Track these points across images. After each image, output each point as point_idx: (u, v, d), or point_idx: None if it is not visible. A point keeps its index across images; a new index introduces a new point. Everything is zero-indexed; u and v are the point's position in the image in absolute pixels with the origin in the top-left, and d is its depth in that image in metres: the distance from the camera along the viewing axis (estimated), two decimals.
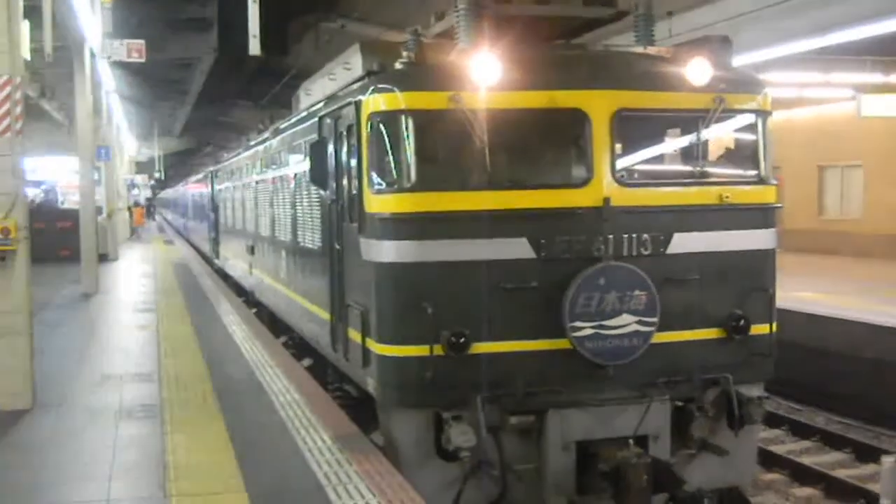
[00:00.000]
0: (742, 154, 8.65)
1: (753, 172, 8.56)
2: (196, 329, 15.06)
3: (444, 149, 8.35)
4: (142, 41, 22.87)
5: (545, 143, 8.56)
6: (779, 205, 8.56)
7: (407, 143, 7.94)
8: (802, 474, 12.26)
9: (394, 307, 8.00)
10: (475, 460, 7.85)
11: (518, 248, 7.89)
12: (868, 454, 12.95)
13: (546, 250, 7.90)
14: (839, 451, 13.45)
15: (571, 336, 7.85)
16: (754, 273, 8.45)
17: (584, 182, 8.04)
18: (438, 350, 7.73)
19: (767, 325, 8.43)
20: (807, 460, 12.89)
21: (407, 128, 7.95)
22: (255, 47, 18.69)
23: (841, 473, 12.29)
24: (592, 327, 7.88)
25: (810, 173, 28.97)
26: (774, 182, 8.60)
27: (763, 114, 8.55)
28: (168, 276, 25.32)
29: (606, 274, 7.88)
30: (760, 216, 8.49)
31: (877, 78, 22.68)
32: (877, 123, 24.88)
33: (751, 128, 8.57)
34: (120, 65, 26.79)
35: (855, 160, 27.49)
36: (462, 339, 7.75)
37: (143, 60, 23.14)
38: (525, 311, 7.92)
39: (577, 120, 8.04)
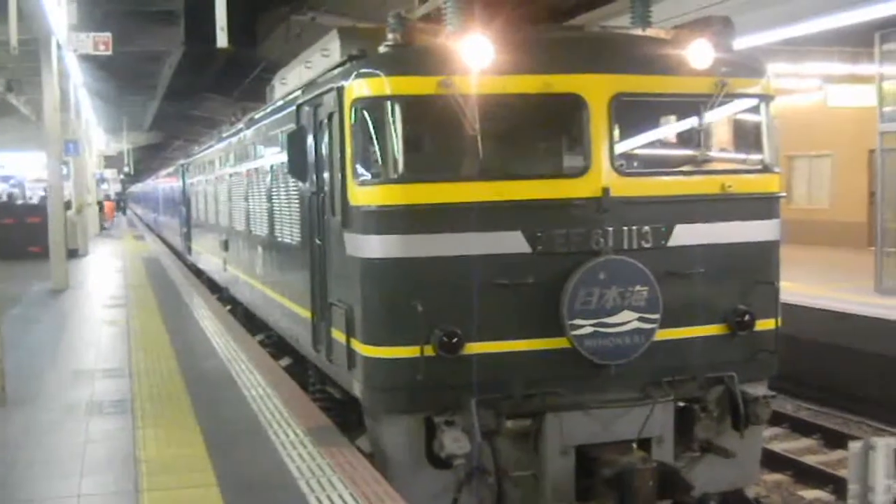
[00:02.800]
0: (745, 141, 8.08)
1: (757, 160, 7.99)
2: (167, 324, 14.66)
3: (433, 137, 7.74)
4: (108, 34, 22.16)
5: (540, 130, 7.96)
6: (783, 194, 7.97)
7: (393, 130, 7.30)
8: (772, 461, 11.79)
9: (381, 306, 7.37)
10: (469, 467, 7.23)
11: (512, 242, 7.29)
12: (837, 441, 12.53)
13: (542, 244, 7.31)
14: (808, 438, 13.08)
15: (570, 334, 7.26)
16: (758, 266, 7.89)
17: (582, 171, 7.44)
18: (429, 351, 7.13)
19: (772, 320, 7.86)
20: (777, 447, 12.48)
21: (393, 114, 7.30)
22: (222, 40, 18.23)
23: (810, 460, 11.97)
24: (592, 325, 7.29)
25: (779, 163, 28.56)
26: (778, 170, 8.02)
27: (766, 98, 7.98)
28: (139, 272, 24.70)
29: (607, 268, 7.29)
30: (765, 206, 7.93)
31: (844, 68, 22.31)
32: (844, 113, 24.54)
33: (754, 113, 7.99)
34: (87, 58, 26.00)
35: (823, 150, 27.16)
36: (454, 339, 7.15)
37: (109, 53, 22.45)
38: (521, 309, 7.33)
39: (573, 106, 7.43)
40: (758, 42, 15.96)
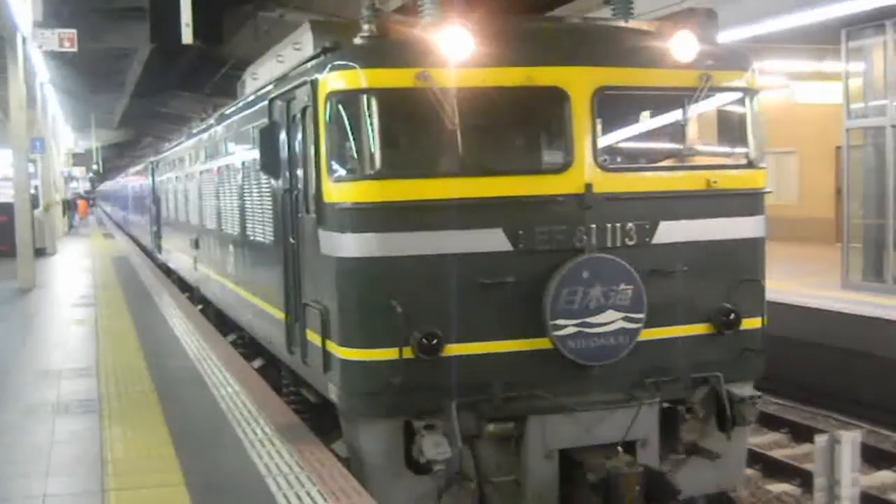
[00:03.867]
0: (730, 136, 7.79)
1: (742, 155, 7.70)
2: (136, 323, 14.40)
3: (410, 131, 7.39)
4: (74, 31, 21.74)
5: (521, 124, 7.64)
6: (769, 189, 7.70)
7: (369, 125, 6.94)
8: None
9: (358, 306, 7.01)
10: (450, 473, 6.89)
11: (493, 240, 6.96)
12: (804, 435, 12.37)
13: (524, 242, 6.99)
14: (776, 432, 12.92)
15: (553, 335, 6.95)
16: (744, 263, 7.61)
17: (564, 167, 7.13)
18: (408, 353, 6.79)
19: (759, 319, 7.59)
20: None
21: (369, 108, 6.94)
22: (187, 36, 18.13)
23: (778, 454, 11.83)
24: (575, 325, 6.98)
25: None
26: (764, 165, 7.74)
27: (752, 92, 7.70)
28: (107, 271, 24.23)
29: (590, 267, 6.98)
30: (750, 202, 7.65)
31: (811, 65, 22.19)
32: (810, 111, 24.44)
33: (739, 107, 7.70)
34: (54, 55, 25.46)
35: (791, 147, 27.09)
36: (434, 341, 6.82)
37: (74, 50, 22.05)
38: (502, 309, 7.01)
39: (555, 99, 7.11)
40: (725, 39, 15.78)
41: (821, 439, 6.86)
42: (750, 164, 7.68)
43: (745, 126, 7.66)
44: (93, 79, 36.28)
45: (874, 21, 15.95)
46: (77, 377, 10.47)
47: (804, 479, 10.34)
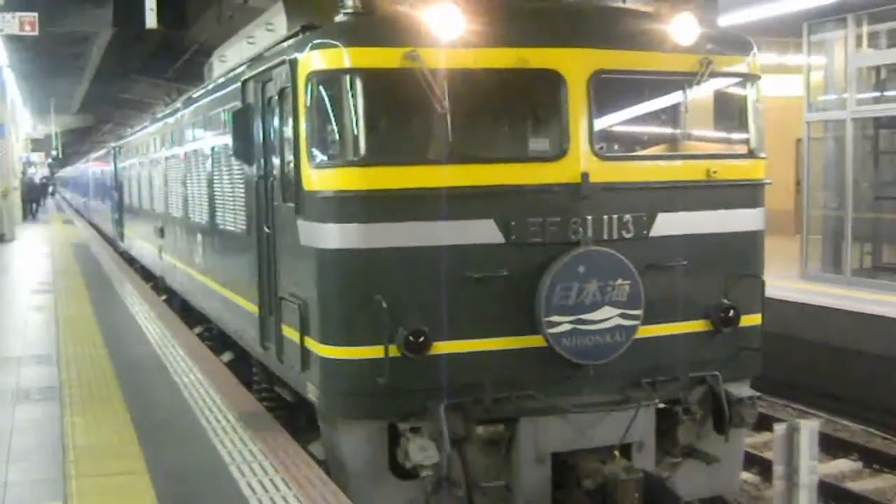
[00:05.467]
0: (731, 124, 7.28)
1: (743, 144, 7.18)
2: (97, 311, 13.87)
3: (397, 115, 6.81)
4: (34, 14, 20.82)
5: (514, 109, 7.05)
6: (769, 181, 7.18)
7: (353, 107, 6.34)
8: None
9: (339, 302, 6.41)
10: (437, 478, 6.29)
11: (484, 232, 6.40)
12: (763, 424, 11.99)
13: (517, 234, 6.43)
14: None
15: (547, 332, 6.41)
16: (743, 258, 7.11)
17: (560, 155, 6.58)
18: (394, 351, 6.22)
19: (758, 316, 7.08)
20: None
21: (353, 90, 6.33)
22: (151, 20, 17.46)
23: None
24: (570, 322, 6.43)
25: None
26: (764, 155, 7.22)
27: (753, 78, 7.17)
28: (67, 258, 23.33)
29: (586, 261, 6.43)
30: (750, 193, 7.13)
31: (772, 58, 21.89)
32: (773, 103, 24.08)
33: (740, 94, 7.18)
34: (13, 39, 24.32)
35: None
36: (421, 339, 6.26)
37: (35, 34, 21.02)
38: (493, 305, 6.46)
39: (550, 83, 6.55)
40: None
41: (779, 428, 6.70)
42: (751, 154, 7.16)
43: (746, 114, 7.15)
44: (52, 63, 35.07)
45: (835, 15, 15.71)
46: (37, 364, 10.12)
47: (763, 468, 10.14)
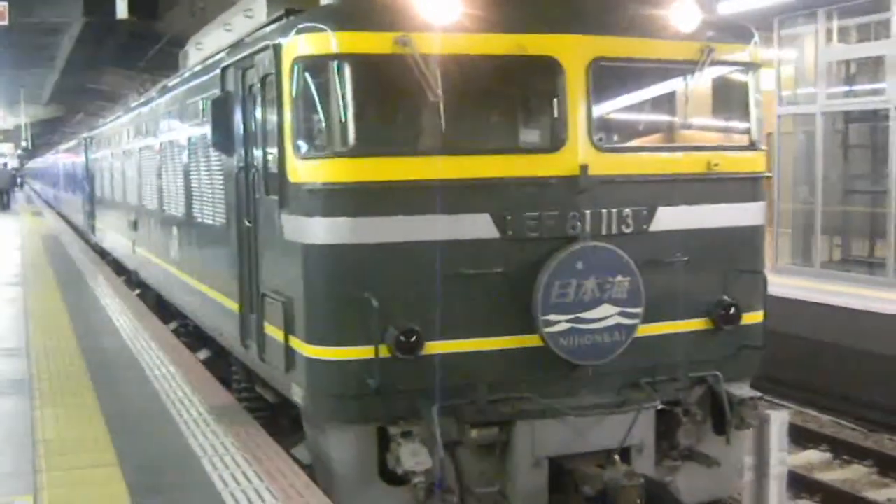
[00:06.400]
0: (732, 115, 6.88)
1: (744, 136, 6.78)
2: (67, 303, 13.47)
3: (388, 103, 6.37)
4: (4, 3, 20.34)
5: (511, 98, 6.61)
6: (769, 174, 6.79)
7: (341, 95, 5.89)
8: None
9: (327, 299, 5.96)
10: (429, 483, 5.86)
11: (479, 227, 5.98)
12: None
13: (512, 228, 6.02)
14: None
15: (544, 331, 6.00)
16: (744, 253, 6.73)
17: (557, 146, 6.15)
18: (384, 351, 5.78)
19: (759, 313, 6.71)
20: None
21: (341, 76, 5.88)
22: (122, 10, 16.96)
23: None
24: (568, 321, 6.02)
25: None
26: (764, 147, 6.84)
27: (754, 67, 6.78)
28: (37, 249, 22.64)
29: (585, 256, 6.03)
30: (751, 187, 6.74)
31: None
32: None
33: (741, 83, 6.80)
34: None
35: None
36: (413, 338, 5.82)
37: (6, 24, 20.34)
38: (488, 303, 6.04)
39: (548, 70, 6.13)
40: None
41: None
42: (752, 145, 6.78)
43: (748, 104, 6.75)
44: (22, 53, 34.00)
45: (806, 9, 15.53)
46: (6, 357, 9.79)
47: None
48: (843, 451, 10.51)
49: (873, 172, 16.82)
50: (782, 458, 6.54)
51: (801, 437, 10.66)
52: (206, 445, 6.58)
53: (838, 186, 16.68)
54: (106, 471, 6.11)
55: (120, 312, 12.42)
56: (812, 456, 10.44)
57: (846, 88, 16.40)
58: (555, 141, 6.17)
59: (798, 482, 9.27)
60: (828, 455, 10.46)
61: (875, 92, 15.73)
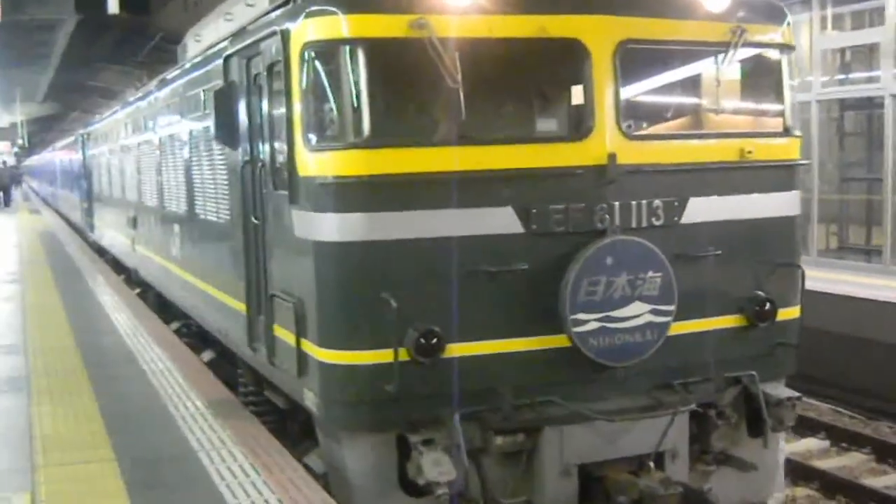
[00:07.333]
0: (765, 99, 6.36)
1: (778, 121, 6.27)
2: (65, 300, 13.11)
3: (404, 91, 5.86)
4: None
5: (534, 83, 6.05)
6: (805, 161, 6.27)
7: (355, 82, 5.34)
8: None
9: (341, 300, 5.44)
10: (452, 494, 5.33)
11: (502, 221, 5.46)
12: None
13: (537, 222, 5.50)
14: None
15: (572, 332, 5.48)
16: (779, 245, 6.21)
17: (584, 134, 5.63)
18: (403, 355, 5.26)
19: (795, 309, 6.21)
20: None
21: (354, 62, 5.34)
22: (113, 6, 16.46)
23: None
24: (598, 320, 5.51)
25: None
26: (799, 133, 6.32)
27: (787, 49, 6.24)
28: (35, 247, 22.06)
29: (615, 251, 5.52)
30: (786, 175, 6.23)
31: None
32: None
33: (774, 66, 6.26)
34: None
35: None
36: (434, 340, 5.30)
37: None
38: (512, 302, 5.53)
39: (573, 54, 5.61)
40: None
41: None
42: (786, 131, 6.25)
43: (782, 87, 6.22)
44: (17, 51, 33.27)
45: None
46: (4, 354, 9.64)
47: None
48: (842, 438, 10.23)
49: (869, 160, 16.46)
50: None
51: (799, 424, 10.16)
52: (204, 440, 6.42)
53: (834, 174, 16.30)
54: (103, 466, 5.99)
55: (117, 310, 12.08)
56: (811, 444, 10.18)
57: (841, 76, 16.03)
58: (581, 129, 5.65)
59: (797, 469, 9.04)
60: (826, 443, 10.20)
61: (870, 80, 15.40)
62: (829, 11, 15.45)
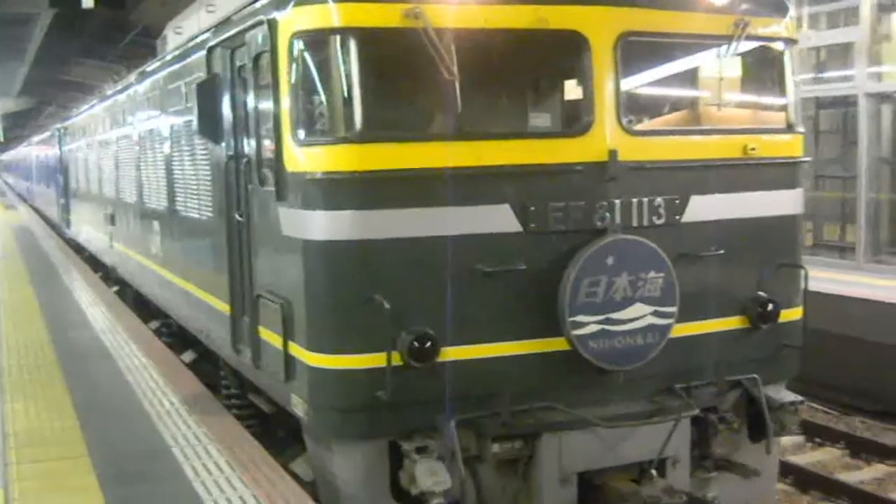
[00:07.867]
0: (767, 94, 6.08)
1: (781, 117, 5.99)
2: (39, 295, 12.93)
3: (397, 83, 5.53)
4: None
5: (532, 76, 5.73)
6: (808, 158, 6.02)
7: (346, 74, 5.02)
8: None
9: (331, 302, 5.11)
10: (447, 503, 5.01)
11: (499, 219, 5.17)
12: None
13: (535, 221, 5.21)
14: None
15: (571, 334, 5.20)
16: (782, 245, 5.95)
17: (584, 129, 5.33)
18: (396, 359, 4.95)
19: (798, 310, 5.95)
20: None
21: (345, 53, 5.01)
22: (88, 0, 15.87)
23: None
24: (598, 322, 5.23)
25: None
26: (802, 129, 6.05)
27: (790, 43, 5.97)
28: (9, 244, 21.51)
29: (616, 251, 5.23)
30: (789, 173, 5.96)
31: None
32: None
33: (777, 60, 5.98)
34: None
35: None
36: (428, 344, 4.99)
37: None
38: (509, 303, 5.24)
39: (573, 46, 5.32)
40: None
41: None
42: (789, 128, 5.98)
43: (785, 82, 5.95)
44: None
45: None
46: None
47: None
48: (816, 433, 10.11)
49: (843, 158, 16.38)
50: None
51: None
52: (178, 436, 6.33)
53: (809, 172, 16.22)
54: (76, 462, 5.90)
55: (92, 305, 11.76)
56: (785, 439, 9.85)
57: (817, 75, 15.92)
58: (580, 124, 5.36)
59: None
60: (800, 438, 10.00)
61: (844, 78, 15.30)
62: (805, 10, 15.38)
